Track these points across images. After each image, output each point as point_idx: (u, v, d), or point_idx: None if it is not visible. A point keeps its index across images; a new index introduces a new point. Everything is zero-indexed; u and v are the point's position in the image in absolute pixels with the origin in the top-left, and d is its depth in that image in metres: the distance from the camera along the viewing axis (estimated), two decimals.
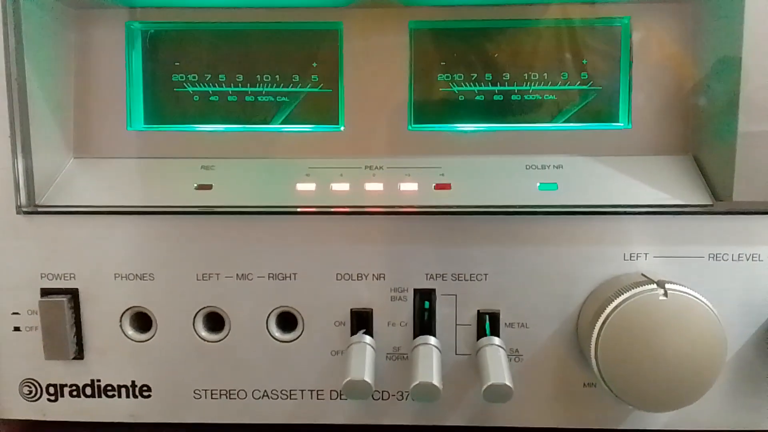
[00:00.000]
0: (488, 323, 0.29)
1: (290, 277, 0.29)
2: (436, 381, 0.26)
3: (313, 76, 0.32)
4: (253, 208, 0.29)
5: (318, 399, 0.30)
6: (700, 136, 0.30)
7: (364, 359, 0.27)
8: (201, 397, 0.30)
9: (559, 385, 0.29)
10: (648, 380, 0.25)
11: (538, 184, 0.29)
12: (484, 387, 0.26)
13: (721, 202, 0.28)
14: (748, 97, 0.27)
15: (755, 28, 0.26)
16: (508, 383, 0.26)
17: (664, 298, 0.25)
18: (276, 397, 0.30)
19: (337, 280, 0.29)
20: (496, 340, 0.29)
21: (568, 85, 0.32)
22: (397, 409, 0.30)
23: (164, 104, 0.32)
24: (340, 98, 0.31)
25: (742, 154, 0.27)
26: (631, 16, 0.30)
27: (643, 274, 0.28)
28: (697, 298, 0.25)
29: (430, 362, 0.27)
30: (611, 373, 0.26)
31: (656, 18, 0.30)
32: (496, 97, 0.32)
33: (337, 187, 0.30)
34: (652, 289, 0.25)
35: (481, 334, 0.29)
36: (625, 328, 0.25)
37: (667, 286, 0.25)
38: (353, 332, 0.29)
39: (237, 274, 0.29)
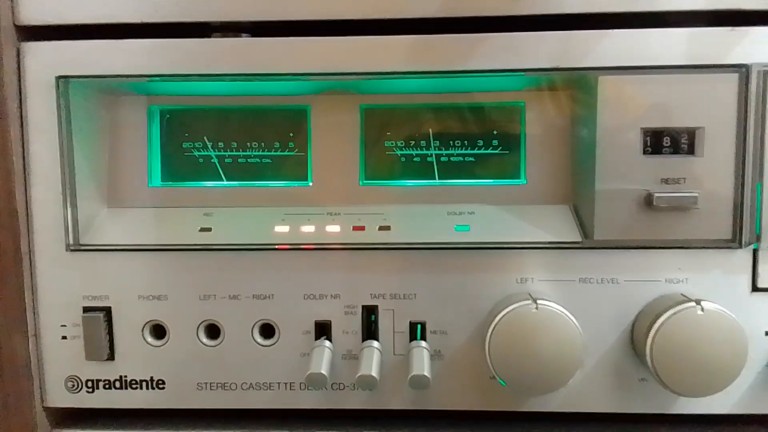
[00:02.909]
0: (419, 331, 0.39)
1: (269, 297, 0.39)
2: (374, 373, 0.36)
3: (290, 143, 0.42)
4: (242, 246, 0.39)
5: (290, 389, 0.39)
6: (576, 190, 0.39)
7: (322, 358, 0.37)
8: (203, 389, 0.40)
9: (472, 377, 0.38)
10: (532, 375, 0.35)
11: (454, 226, 0.39)
12: (409, 377, 0.35)
13: (587, 239, 0.38)
14: (601, 164, 0.37)
15: (604, 113, 0.36)
16: (426, 374, 0.35)
17: (536, 310, 0.35)
18: (259, 388, 0.39)
19: (304, 299, 0.39)
20: (422, 343, 0.38)
21: (483, 150, 0.42)
22: (351, 397, 0.39)
23: (176, 166, 0.42)
24: (308, 161, 0.41)
25: (599, 204, 0.37)
26: (525, 101, 0.40)
27: (529, 294, 0.37)
28: (560, 310, 0.35)
29: (370, 360, 0.36)
30: (503, 370, 0.35)
31: (544, 102, 0.40)
32: (429, 159, 0.42)
33: (305, 228, 0.39)
34: (528, 304, 0.35)
35: (412, 339, 0.39)
36: (508, 333, 0.35)
37: (539, 301, 0.35)
38: (316, 339, 0.39)
39: (229, 295, 0.39)
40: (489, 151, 0.41)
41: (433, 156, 0.42)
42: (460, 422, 0.40)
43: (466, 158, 0.42)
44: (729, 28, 0.36)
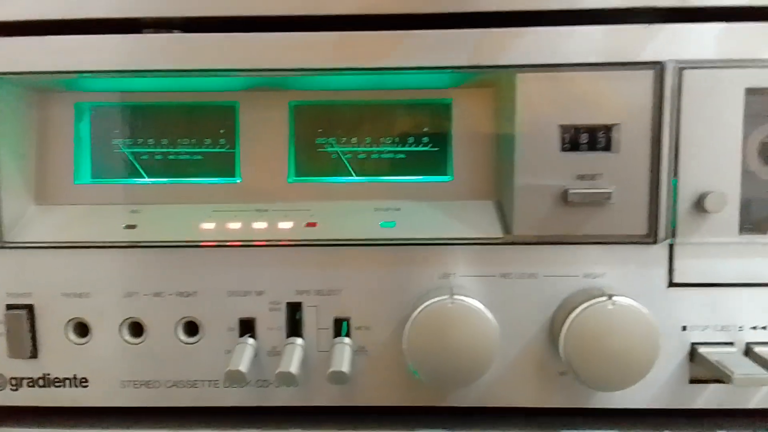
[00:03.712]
0: (344, 328, 0.39)
1: (192, 294, 0.39)
2: (293, 370, 0.36)
3: (220, 140, 0.42)
4: (165, 243, 0.39)
5: (215, 387, 0.39)
6: (499, 186, 0.40)
7: (241, 355, 0.37)
8: (126, 386, 0.39)
9: (396, 372, 0.39)
10: (447, 369, 0.35)
11: (380, 223, 0.39)
12: (327, 372, 0.36)
13: (508, 235, 0.38)
14: (519, 160, 0.37)
15: (522, 110, 0.37)
16: (344, 370, 0.36)
17: (452, 305, 0.35)
18: (183, 386, 0.39)
19: (228, 296, 0.39)
20: (345, 340, 0.38)
21: (414, 147, 0.42)
22: (276, 394, 0.39)
23: (105, 163, 0.42)
24: (236, 157, 0.41)
25: (518, 200, 0.37)
26: (452, 98, 0.41)
27: (451, 289, 0.37)
28: (474, 305, 0.35)
29: (290, 357, 0.37)
30: (419, 364, 0.35)
31: (471, 100, 0.40)
32: (360, 156, 0.42)
33: (231, 225, 0.39)
34: (444, 299, 0.35)
35: (337, 335, 0.39)
36: (424, 327, 0.35)
37: (455, 297, 0.35)
38: (241, 336, 0.39)
39: (153, 292, 0.39)
40: (419, 148, 0.42)
41: (365, 153, 0.42)
42: (384, 418, 0.40)
43: (397, 155, 0.42)
44: (644, 26, 0.36)
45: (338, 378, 0.35)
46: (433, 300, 0.35)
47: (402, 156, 0.42)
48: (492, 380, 0.38)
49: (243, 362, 0.36)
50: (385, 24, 0.38)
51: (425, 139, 0.42)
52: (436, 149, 0.42)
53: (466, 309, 0.35)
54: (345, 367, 0.36)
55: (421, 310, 0.35)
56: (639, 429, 0.39)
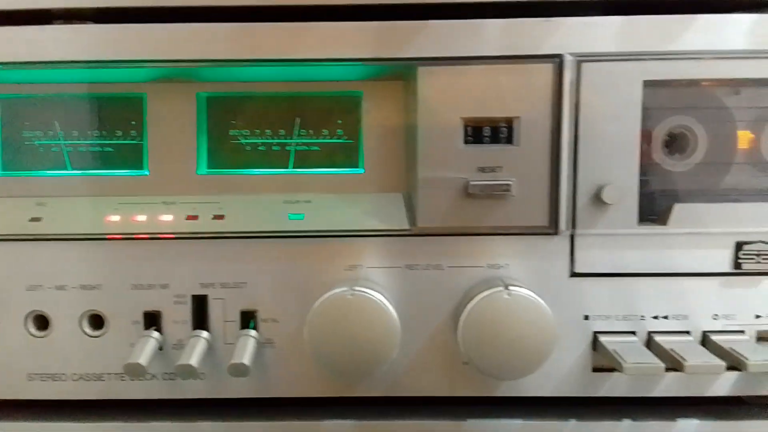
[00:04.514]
0: (250, 320, 0.39)
1: (97, 287, 0.38)
2: (192, 362, 0.36)
3: (132, 132, 0.42)
4: (69, 235, 0.38)
5: (121, 380, 0.39)
6: (407, 179, 0.40)
7: (143, 348, 0.36)
8: (33, 379, 0.39)
9: (303, 364, 0.39)
10: (348, 360, 0.35)
11: (288, 215, 0.39)
12: (228, 365, 0.36)
13: (414, 227, 0.38)
14: (422, 153, 0.37)
15: (424, 103, 0.37)
16: (244, 362, 0.36)
17: (351, 297, 0.35)
18: (89, 379, 0.39)
19: (132, 289, 0.39)
20: (251, 332, 0.38)
21: (328, 139, 0.42)
22: (184, 386, 0.39)
23: (14, 155, 0.41)
24: (144, 149, 0.41)
25: (421, 193, 0.38)
26: (363, 91, 0.41)
27: (360, 281, 0.37)
28: (373, 296, 0.35)
29: (191, 350, 0.36)
30: (320, 355, 0.35)
31: (381, 92, 0.40)
32: (274, 148, 0.42)
33: (137, 218, 0.39)
34: (344, 291, 0.35)
35: (244, 327, 0.39)
36: (328, 316, 0.35)
37: (355, 288, 0.35)
38: (146, 329, 0.39)
39: (56, 285, 0.38)
40: (332, 140, 0.42)
41: (278, 145, 0.42)
42: (294, 409, 0.40)
43: (311, 147, 0.42)
44: (543, 19, 0.36)
45: (238, 370, 0.35)
46: (333, 291, 0.35)
47: (316, 148, 0.42)
48: (400, 370, 0.39)
49: (143, 355, 0.36)
50: (293, 16, 0.38)
51: (340, 132, 0.42)
52: (348, 142, 0.42)
53: (365, 301, 0.35)
54: (245, 359, 0.36)
55: (321, 302, 0.35)
56: (544, 417, 0.39)
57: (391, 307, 0.35)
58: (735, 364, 0.35)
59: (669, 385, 0.39)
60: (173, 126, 0.41)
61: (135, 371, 0.35)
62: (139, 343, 0.37)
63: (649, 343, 0.38)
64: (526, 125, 0.37)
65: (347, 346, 0.35)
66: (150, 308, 0.39)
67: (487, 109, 0.37)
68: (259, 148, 0.42)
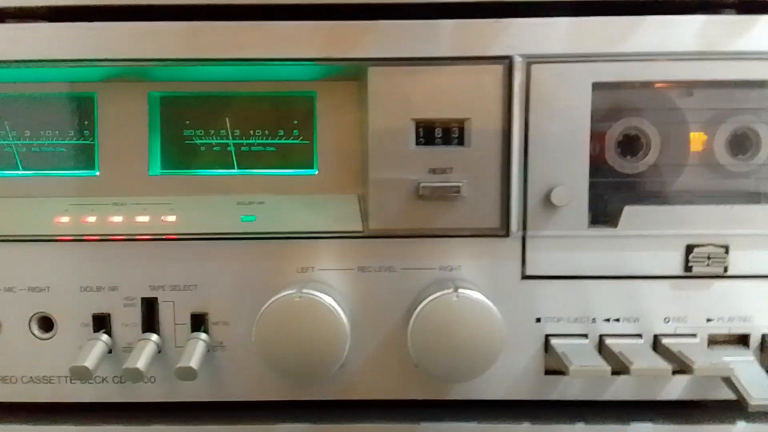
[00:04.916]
0: (201, 323, 0.39)
1: (45, 289, 0.38)
2: (139, 366, 0.35)
3: (84, 132, 0.41)
4: (17, 237, 0.38)
5: (71, 383, 0.39)
6: (362, 180, 0.40)
7: (89, 351, 0.36)
8: None
9: (255, 366, 0.38)
10: (296, 363, 0.35)
11: (241, 217, 0.39)
12: (175, 368, 0.35)
13: (367, 229, 0.38)
14: (373, 154, 0.37)
15: (375, 104, 0.37)
16: (191, 366, 0.35)
17: (299, 299, 0.35)
18: (39, 381, 0.39)
19: (81, 291, 0.38)
20: (202, 335, 0.38)
21: (284, 139, 0.42)
22: (135, 390, 0.39)
23: None
24: (95, 150, 0.41)
25: (373, 194, 0.37)
26: (317, 91, 0.40)
27: (310, 283, 0.37)
28: (321, 298, 0.35)
29: (139, 353, 0.36)
30: (268, 358, 0.35)
31: (335, 93, 0.40)
32: (229, 149, 0.42)
33: (87, 219, 0.39)
34: (292, 294, 0.35)
35: (196, 330, 0.38)
36: (276, 319, 0.34)
37: (303, 290, 0.35)
38: (95, 331, 0.38)
39: (5, 287, 0.38)
40: (287, 141, 0.41)
41: (233, 146, 0.42)
42: (248, 412, 0.40)
43: (267, 148, 0.42)
44: (494, 20, 0.36)
45: (185, 374, 0.35)
46: (281, 294, 0.35)
47: (272, 149, 0.41)
48: (353, 373, 0.39)
49: (90, 358, 0.36)
50: (244, 15, 0.38)
51: (296, 132, 0.41)
52: (304, 143, 0.41)
53: (314, 303, 0.35)
54: (193, 363, 0.35)
55: (268, 305, 0.35)
56: (498, 420, 0.39)
57: (340, 310, 0.35)
58: (682, 367, 0.35)
59: (623, 389, 0.39)
60: (125, 126, 0.40)
61: (81, 374, 0.35)
62: (86, 346, 0.37)
63: (601, 346, 0.38)
64: (477, 127, 0.36)
65: (295, 349, 0.35)
66: (99, 311, 0.38)
67: (438, 110, 0.37)
68: (214, 148, 0.41)
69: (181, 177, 0.41)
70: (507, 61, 0.36)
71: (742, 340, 0.39)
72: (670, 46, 0.36)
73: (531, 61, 0.36)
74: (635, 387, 0.39)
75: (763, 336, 0.38)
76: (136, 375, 0.35)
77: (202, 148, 0.41)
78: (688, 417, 0.40)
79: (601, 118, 0.37)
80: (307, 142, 0.41)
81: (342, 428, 0.39)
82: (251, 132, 0.41)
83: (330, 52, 0.36)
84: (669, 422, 0.39)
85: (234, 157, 0.41)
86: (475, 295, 0.35)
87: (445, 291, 0.35)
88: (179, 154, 0.41)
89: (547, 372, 0.39)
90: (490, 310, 0.34)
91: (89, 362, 0.35)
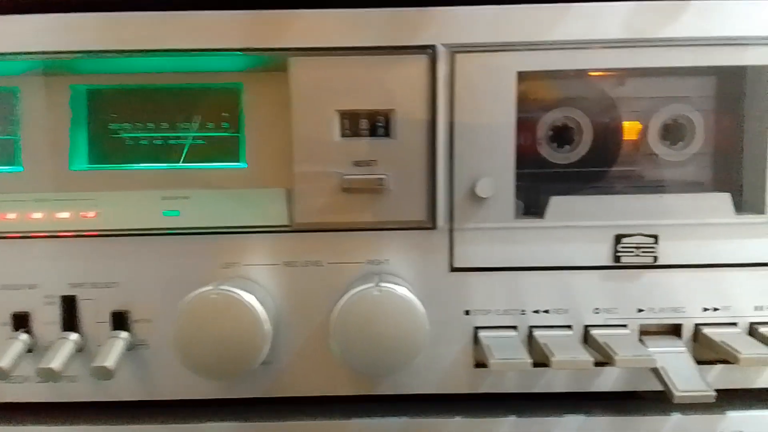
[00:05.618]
0: (122, 321, 0.38)
1: None
2: (54, 365, 0.34)
3: (9, 127, 0.40)
4: None
5: None
6: (290, 173, 0.39)
7: (5, 351, 0.35)
8: None
9: (177, 364, 0.36)
10: (215, 360, 0.34)
11: (163, 212, 0.38)
12: (90, 367, 0.34)
13: (293, 223, 0.37)
14: (297, 147, 0.36)
15: (297, 96, 0.36)
16: (107, 365, 0.34)
17: (216, 296, 0.34)
18: None
19: (1, 289, 0.37)
20: (122, 333, 0.37)
21: (210, 132, 0.41)
22: (58, 389, 0.38)
23: None
24: (17, 145, 0.39)
25: (298, 188, 0.37)
26: (243, 82, 0.39)
27: (232, 279, 0.36)
28: (239, 294, 0.34)
29: (55, 353, 0.35)
30: (186, 356, 0.34)
31: (262, 84, 0.39)
32: (156, 142, 0.41)
33: (6, 216, 0.38)
34: (209, 290, 0.34)
35: (117, 328, 0.38)
36: (193, 316, 0.33)
37: (220, 287, 0.34)
38: (15, 330, 0.37)
39: None
40: (215, 133, 0.40)
41: (161, 139, 0.41)
42: (172, 410, 0.39)
43: (196, 141, 0.41)
44: (417, 9, 0.35)
45: (100, 373, 0.34)
46: (198, 291, 0.34)
47: (201, 142, 0.41)
48: (281, 370, 0.38)
49: (6, 358, 0.35)
50: (167, 4, 0.37)
51: (226, 125, 0.40)
52: (233, 135, 0.40)
53: (231, 300, 0.34)
54: (108, 362, 0.34)
55: (185, 302, 0.34)
56: (429, 414, 0.39)
57: (258, 306, 0.34)
58: (606, 359, 0.35)
59: (557, 381, 0.39)
60: (49, 120, 0.39)
61: None
62: (4, 345, 0.36)
63: (530, 337, 0.38)
64: (402, 118, 0.36)
65: (213, 347, 0.34)
66: (19, 309, 0.37)
67: (362, 101, 0.36)
68: (141, 142, 0.41)
69: (108, 172, 0.40)
70: (431, 51, 0.35)
71: (675, 330, 0.38)
72: (597, 34, 0.36)
73: (455, 50, 0.35)
74: (569, 379, 0.39)
75: (696, 326, 0.38)
76: (50, 375, 0.34)
77: (129, 142, 0.40)
78: (623, 408, 0.39)
79: (530, 109, 0.37)
80: (236, 135, 0.40)
81: (271, 426, 0.38)
82: (179, 125, 0.40)
83: (253, 42, 0.36)
84: (603, 413, 0.39)
85: (162, 151, 0.40)
86: (398, 288, 0.34)
87: (367, 285, 0.34)
88: (106, 148, 0.40)
89: (477, 365, 0.38)
90: (412, 303, 0.34)
91: (5, 362, 0.34)
